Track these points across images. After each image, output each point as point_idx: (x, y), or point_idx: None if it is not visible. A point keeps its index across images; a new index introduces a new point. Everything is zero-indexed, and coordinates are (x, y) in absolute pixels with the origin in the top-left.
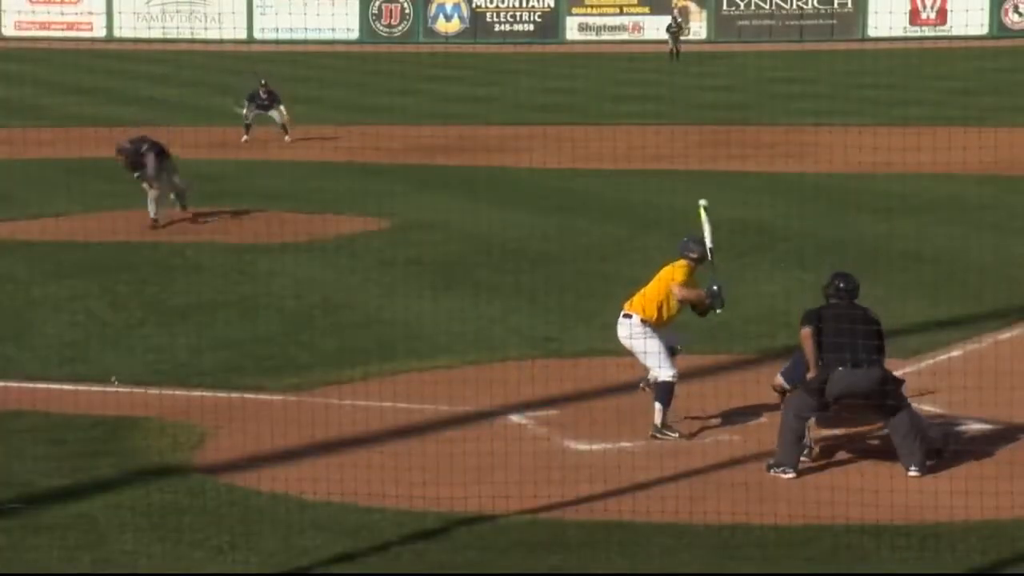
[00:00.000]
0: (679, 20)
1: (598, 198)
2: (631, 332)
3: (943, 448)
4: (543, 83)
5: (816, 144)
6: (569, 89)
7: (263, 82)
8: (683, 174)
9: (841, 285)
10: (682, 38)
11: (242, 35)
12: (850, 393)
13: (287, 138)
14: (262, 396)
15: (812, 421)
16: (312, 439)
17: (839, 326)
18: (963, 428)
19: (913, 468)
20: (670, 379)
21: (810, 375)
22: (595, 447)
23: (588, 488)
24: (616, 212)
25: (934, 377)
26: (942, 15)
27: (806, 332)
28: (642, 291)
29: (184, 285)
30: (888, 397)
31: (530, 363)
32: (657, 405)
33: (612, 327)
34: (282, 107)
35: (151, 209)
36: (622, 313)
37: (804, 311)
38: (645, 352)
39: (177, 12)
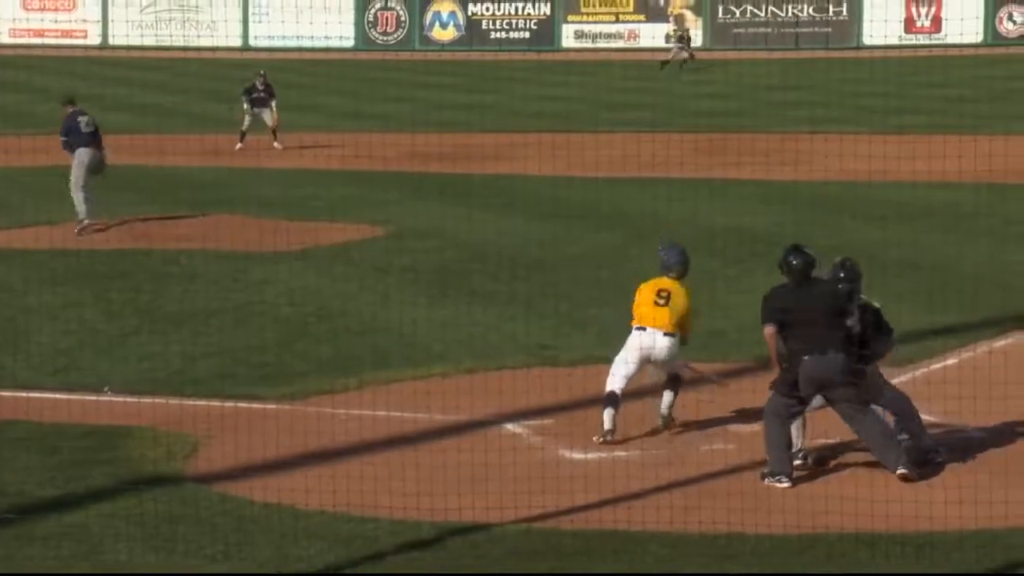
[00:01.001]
0: (679, 32)
1: (593, 205)
2: (677, 353)
3: (934, 456)
4: (539, 91)
5: (811, 152)
6: (565, 97)
7: (261, 72)
8: (678, 182)
9: (794, 262)
10: (675, 45)
11: (236, 43)
12: (820, 380)
13: (276, 144)
14: (256, 405)
15: (805, 426)
16: (306, 448)
17: (800, 314)
18: (958, 437)
19: (900, 468)
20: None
21: (778, 374)
22: (590, 456)
23: (583, 497)
24: (611, 219)
25: (929, 386)
26: (937, 23)
27: (770, 331)
28: (681, 319)
29: (178, 293)
30: (857, 385)
31: (525, 371)
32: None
33: (607, 334)
34: (274, 104)
35: (80, 211)
36: (679, 335)
37: (762, 304)
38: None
39: (171, 20)
